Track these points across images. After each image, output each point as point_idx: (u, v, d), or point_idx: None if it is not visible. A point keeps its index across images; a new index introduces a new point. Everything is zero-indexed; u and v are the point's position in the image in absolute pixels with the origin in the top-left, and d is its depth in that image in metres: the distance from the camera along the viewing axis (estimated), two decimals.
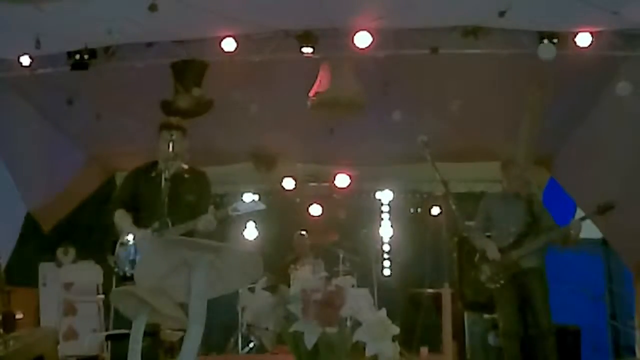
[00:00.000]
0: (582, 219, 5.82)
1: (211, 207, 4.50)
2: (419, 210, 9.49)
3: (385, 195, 9.41)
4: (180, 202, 4.53)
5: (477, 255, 5.77)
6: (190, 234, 4.37)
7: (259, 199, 4.73)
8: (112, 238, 4.62)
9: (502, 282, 5.57)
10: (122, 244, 4.54)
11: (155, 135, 4.75)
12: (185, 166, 4.72)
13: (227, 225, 8.07)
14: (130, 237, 4.53)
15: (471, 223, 6.05)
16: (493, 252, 5.58)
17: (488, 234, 5.81)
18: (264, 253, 7.47)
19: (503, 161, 5.99)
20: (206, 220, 4.40)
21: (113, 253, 4.57)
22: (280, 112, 6.99)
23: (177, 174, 4.60)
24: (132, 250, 4.48)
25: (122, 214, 4.65)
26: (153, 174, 4.67)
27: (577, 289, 8.24)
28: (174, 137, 4.60)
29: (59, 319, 7.30)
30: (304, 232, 8.87)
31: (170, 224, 4.41)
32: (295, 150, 8.18)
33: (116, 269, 4.54)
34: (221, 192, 8.50)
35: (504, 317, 5.63)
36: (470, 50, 5.80)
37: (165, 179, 4.43)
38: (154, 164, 4.74)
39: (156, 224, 4.45)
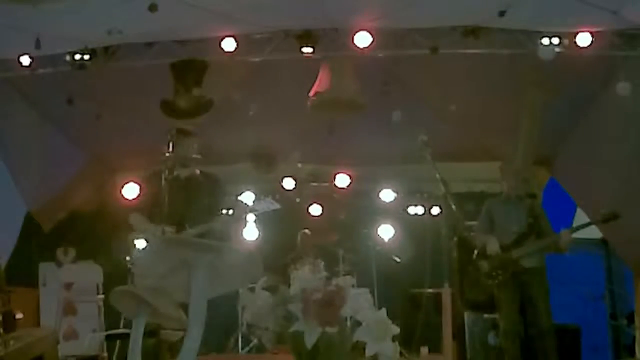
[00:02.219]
0: (582, 226, 5.84)
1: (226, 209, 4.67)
2: (419, 210, 9.47)
3: (385, 195, 9.40)
4: (195, 204, 4.69)
5: (476, 252, 5.80)
6: (206, 234, 4.49)
7: (259, 199, 4.91)
8: (126, 240, 4.75)
9: (500, 278, 5.60)
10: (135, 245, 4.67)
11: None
12: (198, 171, 4.92)
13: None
14: (146, 238, 4.65)
15: (471, 223, 6.06)
16: (493, 246, 5.62)
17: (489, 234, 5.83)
18: (264, 253, 7.47)
19: (502, 163, 6.01)
20: (223, 221, 4.56)
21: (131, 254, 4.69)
22: (280, 112, 6.99)
23: (192, 177, 4.80)
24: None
25: (136, 217, 4.80)
26: (169, 178, 4.80)
27: (577, 289, 8.22)
28: (191, 143, 4.86)
29: (59, 319, 7.29)
30: (308, 231, 8.87)
31: (187, 226, 4.54)
32: (295, 150, 8.18)
33: (134, 270, 4.64)
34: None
35: (504, 316, 5.64)
36: (470, 50, 5.80)
37: (182, 183, 4.57)
38: (170, 168, 4.87)
39: (172, 227, 4.57)
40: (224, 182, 5.18)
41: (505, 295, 5.64)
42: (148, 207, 4.82)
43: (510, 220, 5.73)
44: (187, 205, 4.63)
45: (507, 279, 5.60)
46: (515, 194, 5.83)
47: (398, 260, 8.80)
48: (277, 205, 4.83)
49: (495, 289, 5.69)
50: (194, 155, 4.90)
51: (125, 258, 4.79)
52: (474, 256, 5.84)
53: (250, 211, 4.74)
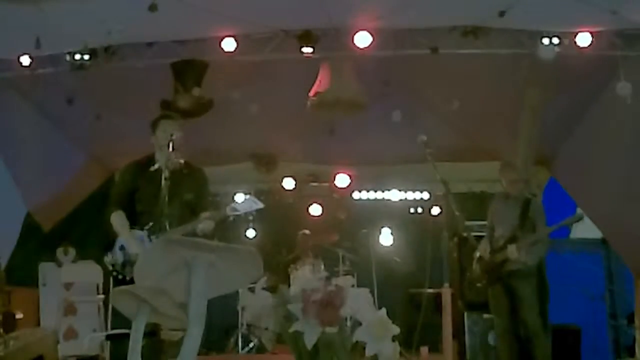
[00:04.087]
0: (551, 229, 5.85)
1: (209, 209, 4.46)
2: (419, 210, 9.49)
3: (385, 196, 9.41)
4: (178, 200, 4.43)
5: (473, 255, 5.88)
6: (188, 235, 4.33)
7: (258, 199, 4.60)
8: (108, 239, 4.50)
9: (484, 282, 5.66)
10: (120, 247, 4.45)
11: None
12: (182, 161, 4.56)
13: (227, 225, 8.07)
14: (126, 242, 4.42)
15: (471, 223, 6.07)
16: (482, 250, 5.73)
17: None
18: (264, 253, 7.47)
19: (502, 163, 6.00)
20: (205, 223, 4.33)
21: (106, 253, 4.46)
22: (280, 112, 6.99)
23: (176, 170, 4.45)
24: (130, 254, 4.39)
25: (118, 216, 4.50)
26: (152, 169, 4.53)
27: (577, 289, 8.24)
28: (175, 132, 4.49)
29: (59, 319, 7.29)
30: (307, 232, 8.88)
31: (167, 224, 4.31)
32: (295, 150, 8.18)
33: (114, 273, 4.45)
34: (221, 192, 8.50)
35: (494, 317, 5.78)
36: (470, 50, 5.81)
37: (166, 178, 4.32)
38: (152, 157, 4.62)
39: (151, 224, 4.38)
40: (213, 181, 4.82)
41: (493, 297, 5.73)
42: (126, 203, 4.54)
43: (503, 222, 5.75)
44: (170, 200, 4.26)
45: (494, 281, 5.64)
46: (514, 195, 5.82)
47: (398, 260, 8.81)
48: (260, 205, 4.42)
49: (487, 290, 5.76)
50: (178, 144, 4.43)
51: (105, 258, 4.47)
52: (473, 258, 5.90)
53: (232, 211, 4.34)
